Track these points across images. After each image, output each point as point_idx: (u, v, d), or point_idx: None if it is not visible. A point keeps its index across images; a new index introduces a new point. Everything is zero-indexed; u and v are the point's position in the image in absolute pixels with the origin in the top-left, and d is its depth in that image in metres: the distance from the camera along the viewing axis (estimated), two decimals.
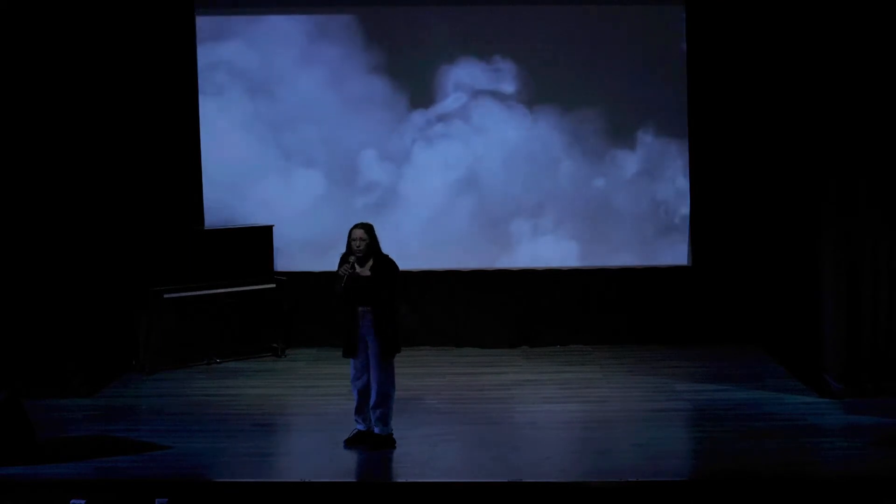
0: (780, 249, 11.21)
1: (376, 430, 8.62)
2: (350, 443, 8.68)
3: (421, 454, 8.55)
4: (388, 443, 8.60)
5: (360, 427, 8.71)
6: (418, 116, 11.81)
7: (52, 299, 10.17)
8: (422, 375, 10.86)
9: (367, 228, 8.58)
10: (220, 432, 9.16)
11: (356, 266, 8.47)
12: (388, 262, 8.59)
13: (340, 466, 8.30)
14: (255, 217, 11.78)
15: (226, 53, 11.78)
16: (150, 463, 8.40)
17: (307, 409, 9.93)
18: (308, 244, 11.85)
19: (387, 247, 11.73)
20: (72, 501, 7.59)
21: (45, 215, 10.12)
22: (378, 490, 7.82)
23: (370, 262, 8.52)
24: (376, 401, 8.58)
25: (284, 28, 11.78)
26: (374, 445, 8.58)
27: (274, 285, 11.53)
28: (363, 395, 8.66)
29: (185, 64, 11.67)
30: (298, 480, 7.94)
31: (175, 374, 11.07)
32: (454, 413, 9.58)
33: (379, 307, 8.52)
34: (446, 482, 7.86)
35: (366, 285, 8.48)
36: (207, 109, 11.79)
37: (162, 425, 9.37)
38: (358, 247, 8.50)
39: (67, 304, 10.23)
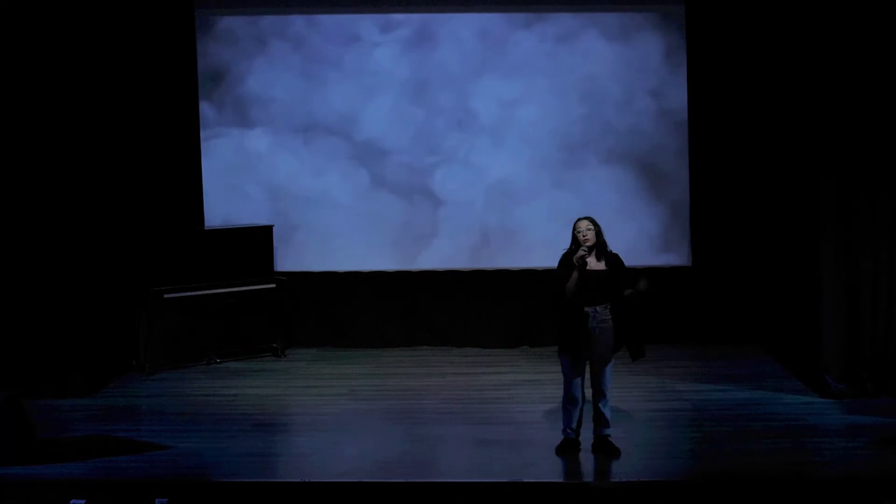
0: (780, 249, 11.22)
1: (603, 431, 8.32)
2: (560, 451, 8.37)
3: (421, 454, 8.55)
4: (610, 446, 8.30)
5: (571, 435, 8.37)
6: (416, 119, 11.83)
7: (53, 299, 10.18)
8: (422, 375, 10.87)
9: (593, 221, 8.23)
10: (220, 432, 9.16)
11: (585, 258, 8.11)
12: (616, 256, 8.26)
13: (340, 467, 8.29)
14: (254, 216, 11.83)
15: (225, 53, 11.81)
16: (150, 463, 8.40)
17: (307, 409, 9.93)
18: (310, 243, 11.87)
19: (389, 246, 11.88)
20: (72, 501, 7.59)
21: (46, 216, 10.13)
22: (378, 490, 7.81)
23: (602, 259, 8.21)
24: (603, 405, 8.27)
25: (281, 27, 11.79)
26: (599, 448, 8.31)
27: (274, 285, 11.53)
28: (580, 401, 8.33)
29: (185, 63, 11.68)
30: (298, 480, 7.94)
31: (175, 374, 11.08)
32: (454, 413, 9.58)
33: (618, 304, 8.19)
34: (446, 482, 7.85)
35: (601, 281, 8.14)
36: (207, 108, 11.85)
37: (162, 425, 9.38)
38: (585, 237, 8.12)
39: (67, 304, 10.24)
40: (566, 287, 8.17)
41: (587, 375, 8.35)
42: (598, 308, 8.17)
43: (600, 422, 8.30)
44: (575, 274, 8.14)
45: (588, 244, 8.14)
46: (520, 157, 11.79)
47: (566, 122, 11.73)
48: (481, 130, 11.80)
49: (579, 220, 8.26)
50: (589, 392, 8.37)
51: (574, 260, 8.12)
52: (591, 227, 8.19)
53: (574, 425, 8.38)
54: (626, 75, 11.67)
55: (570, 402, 8.34)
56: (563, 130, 11.74)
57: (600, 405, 8.28)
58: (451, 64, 11.75)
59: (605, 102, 11.70)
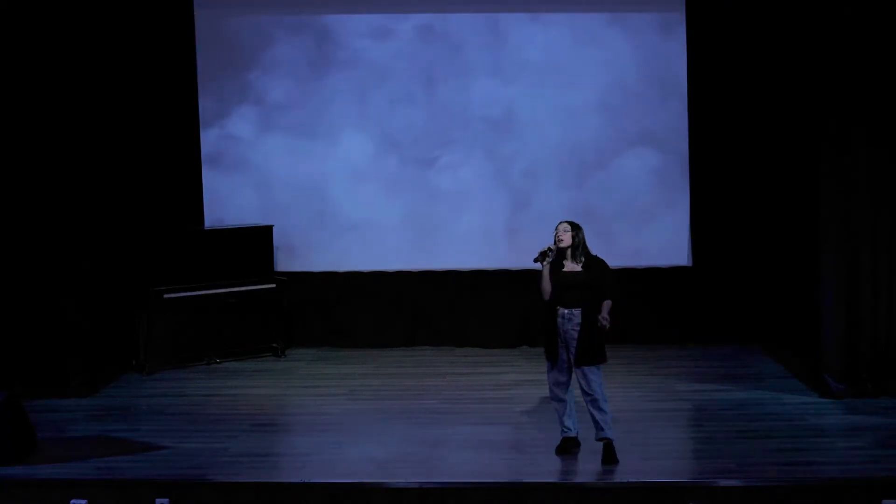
0: (780, 249, 11.23)
1: (599, 435, 8.20)
2: (559, 451, 8.37)
3: (421, 454, 8.55)
4: (611, 449, 8.19)
5: (567, 433, 8.37)
6: (420, 118, 11.83)
7: (53, 299, 10.18)
8: (422, 375, 10.87)
9: (573, 224, 8.23)
10: (220, 432, 9.16)
11: (551, 252, 8.16)
12: (599, 262, 8.24)
13: (340, 467, 8.29)
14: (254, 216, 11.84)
15: (225, 51, 11.80)
16: (150, 463, 8.40)
17: (307, 409, 9.93)
18: (310, 243, 11.87)
19: (389, 246, 11.86)
20: (72, 501, 7.60)
21: (46, 216, 10.13)
22: (378, 491, 7.81)
23: (581, 261, 8.19)
24: (592, 408, 8.17)
25: (282, 25, 11.79)
26: (607, 456, 8.21)
27: (274, 285, 11.53)
28: (568, 401, 8.33)
29: (185, 63, 11.68)
30: (298, 480, 7.94)
31: (175, 374, 11.08)
32: (454, 413, 9.59)
33: (590, 308, 8.16)
34: (446, 482, 7.85)
35: (577, 284, 8.14)
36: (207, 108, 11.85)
37: (162, 425, 9.37)
38: (560, 238, 8.17)
39: (68, 303, 10.23)
40: (541, 286, 8.24)
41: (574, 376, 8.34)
42: (573, 311, 8.17)
43: (595, 426, 8.24)
44: (544, 272, 8.21)
45: (562, 245, 8.21)
46: (520, 158, 11.78)
47: (568, 124, 11.71)
48: (485, 130, 11.79)
49: (561, 222, 8.32)
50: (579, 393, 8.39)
51: (539, 254, 8.21)
52: (569, 229, 8.23)
53: (568, 424, 8.37)
54: (627, 76, 11.66)
55: (554, 401, 8.40)
56: (565, 132, 11.72)
57: (590, 408, 8.21)
58: (452, 61, 11.74)
59: (605, 102, 11.69)
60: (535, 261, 8.26)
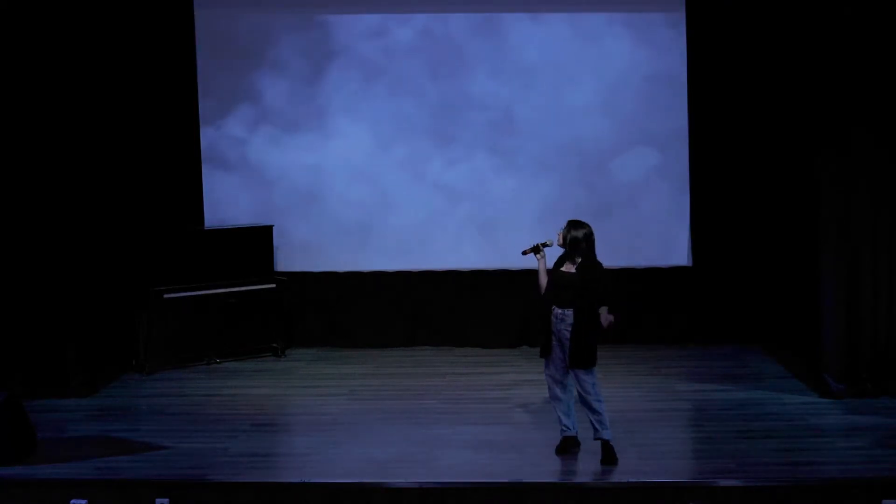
0: (780, 249, 11.23)
1: (596, 436, 8.21)
2: (559, 451, 8.38)
3: (421, 454, 8.55)
4: (608, 450, 8.20)
5: (566, 432, 8.39)
6: (421, 117, 11.82)
7: (53, 299, 10.18)
8: (422, 375, 10.87)
9: (572, 223, 8.24)
10: (220, 432, 9.16)
11: (545, 247, 8.32)
12: (596, 264, 8.21)
13: (340, 467, 8.30)
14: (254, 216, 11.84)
15: (225, 51, 11.80)
16: (150, 463, 8.41)
17: (307, 409, 9.93)
18: (310, 243, 11.87)
19: (389, 245, 11.86)
20: (72, 501, 7.60)
21: (46, 215, 10.13)
22: (378, 491, 7.81)
23: (577, 262, 8.21)
24: (586, 408, 8.20)
25: (282, 25, 11.79)
26: (605, 457, 8.21)
27: (274, 285, 11.53)
28: (565, 399, 8.36)
29: (185, 63, 11.67)
30: (298, 480, 7.94)
31: (175, 374, 11.08)
32: (454, 413, 9.59)
33: (581, 311, 8.15)
34: (446, 482, 7.85)
35: (570, 284, 8.15)
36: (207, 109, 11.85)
37: (162, 425, 9.37)
38: (556, 240, 8.28)
39: (68, 303, 10.23)
40: (539, 283, 8.35)
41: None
42: (566, 311, 8.18)
43: (592, 426, 8.24)
44: (540, 267, 8.35)
45: (558, 243, 8.30)
46: (520, 158, 11.78)
47: (568, 123, 11.71)
48: (485, 130, 11.78)
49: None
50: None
51: (530, 247, 8.38)
52: (564, 229, 8.25)
53: (567, 423, 8.38)
54: (627, 75, 11.65)
55: (552, 399, 8.42)
56: (565, 131, 11.72)
57: (585, 410, 8.22)
58: (452, 61, 11.72)
59: (605, 102, 11.68)
60: (524, 253, 8.41)
